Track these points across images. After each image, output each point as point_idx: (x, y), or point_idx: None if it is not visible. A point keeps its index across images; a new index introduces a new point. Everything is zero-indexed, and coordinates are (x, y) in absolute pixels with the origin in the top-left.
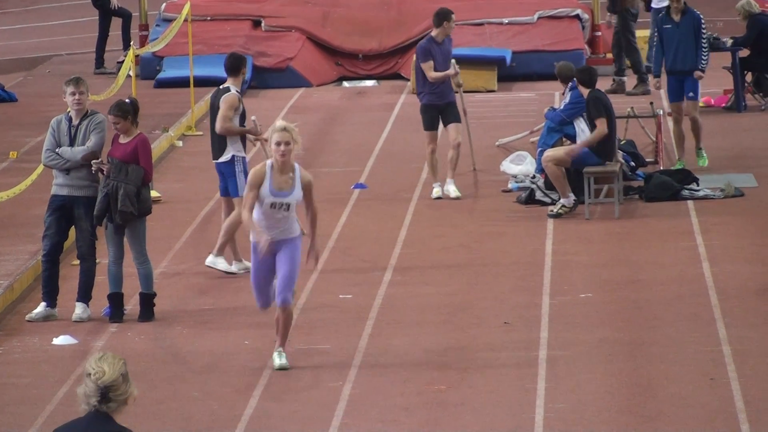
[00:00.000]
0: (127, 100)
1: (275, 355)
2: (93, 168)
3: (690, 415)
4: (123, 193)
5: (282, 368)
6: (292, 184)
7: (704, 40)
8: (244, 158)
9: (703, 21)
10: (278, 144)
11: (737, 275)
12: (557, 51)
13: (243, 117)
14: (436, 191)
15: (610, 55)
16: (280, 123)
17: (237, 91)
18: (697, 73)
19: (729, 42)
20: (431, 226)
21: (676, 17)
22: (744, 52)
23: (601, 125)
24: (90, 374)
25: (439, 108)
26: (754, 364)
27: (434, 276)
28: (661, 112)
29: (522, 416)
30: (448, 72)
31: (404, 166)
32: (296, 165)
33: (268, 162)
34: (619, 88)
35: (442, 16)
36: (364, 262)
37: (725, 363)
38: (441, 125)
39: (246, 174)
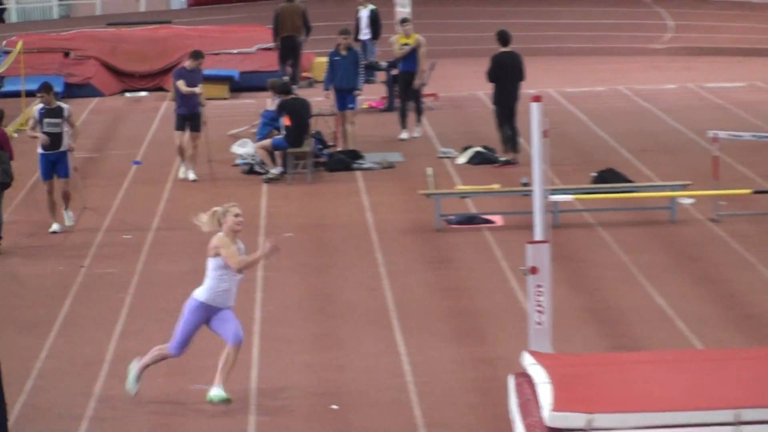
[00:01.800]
0: None
1: (217, 390)
2: None
3: (358, 314)
4: (1, 171)
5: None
6: (241, 253)
7: (361, 69)
8: (40, 154)
9: (360, 55)
10: (237, 216)
11: (389, 221)
12: (269, 71)
13: (42, 124)
14: (182, 172)
15: (305, 74)
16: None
17: (38, 107)
18: (357, 92)
19: (385, 65)
20: (185, 190)
21: (344, 52)
22: (395, 72)
23: (285, 119)
24: None
25: (187, 117)
26: (401, 279)
27: (188, 221)
28: (338, 112)
29: (245, 315)
30: (195, 89)
31: (166, 150)
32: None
33: (220, 234)
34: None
35: (195, 55)
36: (140, 214)
37: (381, 279)
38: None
39: (41, 165)
